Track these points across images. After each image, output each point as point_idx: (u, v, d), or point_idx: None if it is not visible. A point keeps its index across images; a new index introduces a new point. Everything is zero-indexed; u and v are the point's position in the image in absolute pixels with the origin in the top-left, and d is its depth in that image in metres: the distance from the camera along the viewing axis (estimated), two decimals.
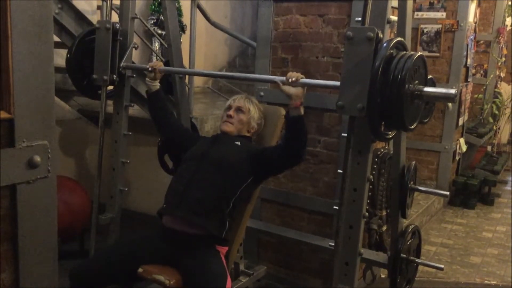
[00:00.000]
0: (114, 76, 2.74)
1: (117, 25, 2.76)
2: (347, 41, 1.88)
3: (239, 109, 2.45)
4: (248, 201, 2.43)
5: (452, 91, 1.86)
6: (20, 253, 1.27)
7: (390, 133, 2.09)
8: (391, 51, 1.85)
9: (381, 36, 1.86)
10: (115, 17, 2.95)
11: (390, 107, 1.81)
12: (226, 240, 2.27)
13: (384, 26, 1.97)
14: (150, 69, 2.54)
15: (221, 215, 2.21)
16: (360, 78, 1.85)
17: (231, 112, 2.44)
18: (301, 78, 2.09)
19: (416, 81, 1.87)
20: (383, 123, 1.95)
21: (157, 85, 2.58)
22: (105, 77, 2.72)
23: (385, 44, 1.84)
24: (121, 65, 2.78)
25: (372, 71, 1.81)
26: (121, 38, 2.77)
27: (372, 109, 1.84)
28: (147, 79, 2.57)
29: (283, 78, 2.13)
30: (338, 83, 1.96)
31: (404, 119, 1.84)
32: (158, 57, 4.74)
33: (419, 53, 1.89)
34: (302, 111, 2.12)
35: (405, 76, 1.77)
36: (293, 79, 2.08)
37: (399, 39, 1.93)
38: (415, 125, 1.98)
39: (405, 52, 1.90)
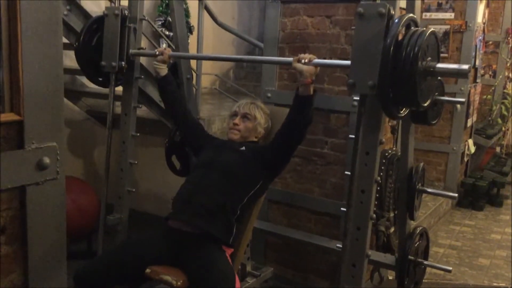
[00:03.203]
0: (123, 63, 2.73)
1: (126, 11, 2.73)
2: (358, 17, 1.85)
3: (245, 116, 2.45)
4: (255, 203, 2.43)
5: (465, 66, 1.81)
6: (29, 254, 1.29)
7: (402, 111, 2.06)
8: (403, 27, 1.82)
9: (393, 12, 1.84)
10: None
11: (403, 84, 1.78)
12: (232, 244, 2.28)
13: (395, 3, 1.94)
14: (157, 53, 2.56)
15: (228, 221, 2.21)
16: (371, 55, 1.82)
17: (237, 120, 2.44)
18: (313, 59, 2.09)
19: (429, 58, 1.85)
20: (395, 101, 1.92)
21: (165, 69, 2.59)
22: (113, 64, 2.71)
23: (396, 20, 1.81)
24: (130, 52, 2.77)
25: (383, 48, 1.78)
26: (130, 25, 2.75)
27: (384, 85, 1.81)
28: (155, 62, 2.58)
29: (293, 59, 2.13)
30: (349, 62, 1.93)
31: (417, 96, 1.80)
32: None
33: (431, 29, 1.84)
34: (312, 90, 2.13)
35: (417, 52, 1.74)
36: (306, 60, 2.08)
37: (411, 15, 1.89)
38: (428, 102, 1.93)
39: (417, 28, 1.87)
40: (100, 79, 2.86)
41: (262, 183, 2.33)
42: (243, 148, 2.37)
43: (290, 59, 2.16)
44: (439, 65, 1.86)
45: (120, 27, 2.70)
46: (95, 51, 2.75)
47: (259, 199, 2.43)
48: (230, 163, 2.30)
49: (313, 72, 2.09)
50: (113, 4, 3.36)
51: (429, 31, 1.81)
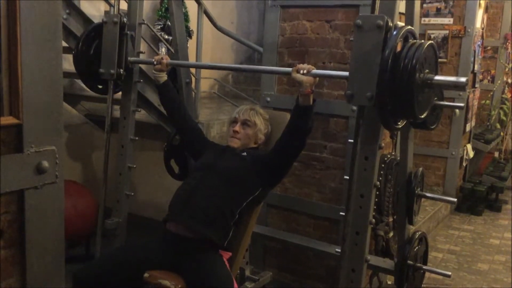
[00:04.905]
0: (121, 70, 2.73)
1: (125, 19, 2.74)
2: (357, 29, 1.85)
3: (245, 123, 2.44)
4: (254, 208, 2.42)
5: (463, 79, 1.83)
6: (28, 258, 1.28)
7: (399, 123, 2.05)
8: (401, 39, 1.83)
9: (391, 24, 1.84)
10: None
11: (401, 96, 1.79)
12: (228, 247, 2.28)
13: (393, 15, 1.94)
14: (155, 62, 2.56)
15: (225, 225, 2.22)
16: (370, 67, 1.83)
17: (237, 128, 2.44)
18: (312, 69, 2.09)
19: (427, 70, 1.85)
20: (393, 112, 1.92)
21: (164, 76, 2.59)
22: (112, 71, 2.71)
23: (395, 33, 1.82)
24: (129, 59, 2.77)
25: (382, 60, 1.79)
26: (128, 32, 2.75)
27: (382, 97, 1.81)
28: (154, 71, 2.58)
29: (292, 69, 2.13)
30: (347, 73, 1.94)
31: (415, 108, 1.81)
32: None
33: (430, 42, 1.85)
34: (311, 100, 2.13)
35: (415, 64, 1.75)
36: (305, 71, 2.08)
37: (409, 27, 1.90)
38: (425, 114, 1.94)
39: (415, 40, 1.88)
40: (99, 86, 2.86)
41: (262, 190, 2.33)
42: (245, 153, 2.37)
43: (289, 69, 2.15)
44: (437, 77, 1.87)
45: (119, 34, 2.70)
46: (93, 58, 2.75)
47: (258, 205, 2.42)
48: (230, 168, 2.30)
49: (312, 83, 2.09)
50: (112, 9, 3.36)
51: (427, 44, 1.82)
